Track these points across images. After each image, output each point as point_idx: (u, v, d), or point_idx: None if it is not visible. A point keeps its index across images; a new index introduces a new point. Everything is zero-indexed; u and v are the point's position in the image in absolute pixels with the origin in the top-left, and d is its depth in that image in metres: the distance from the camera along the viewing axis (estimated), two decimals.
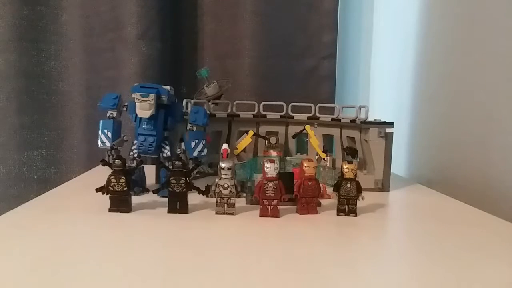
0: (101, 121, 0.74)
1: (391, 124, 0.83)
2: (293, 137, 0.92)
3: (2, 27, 1.11)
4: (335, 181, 0.67)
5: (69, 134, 1.19)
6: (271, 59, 1.18)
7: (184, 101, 0.86)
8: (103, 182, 0.64)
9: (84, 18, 1.14)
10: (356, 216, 0.65)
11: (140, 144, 0.71)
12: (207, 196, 0.65)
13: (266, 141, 0.87)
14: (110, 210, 0.64)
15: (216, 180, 0.64)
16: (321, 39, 1.19)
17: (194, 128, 0.75)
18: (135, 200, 0.67)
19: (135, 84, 0.71)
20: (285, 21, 1.18)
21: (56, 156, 1.19)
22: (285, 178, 0.66)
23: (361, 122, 0.85)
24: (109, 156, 0.72)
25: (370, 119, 0.86)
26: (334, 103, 1.18)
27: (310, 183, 0.65)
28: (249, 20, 1.16)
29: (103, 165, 0.66)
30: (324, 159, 0.78)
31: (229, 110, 0.93)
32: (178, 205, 0.64)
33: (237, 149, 0.80)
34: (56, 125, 1.18)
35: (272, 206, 0.64)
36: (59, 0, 1.14)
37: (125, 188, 0.64)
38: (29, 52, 1.14)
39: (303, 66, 1.20)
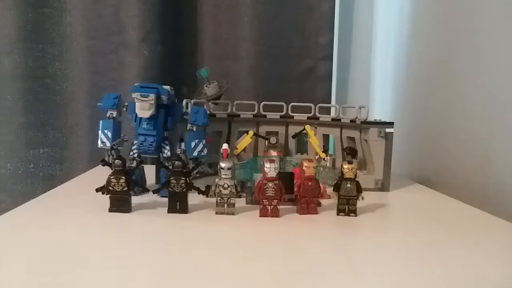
0: (101, 121, 0.74)
1: (391, 124, 0.83)
2: (293, 137, 0.92)
3: (8, 29, 1.13)
4: (335, 181, 0.67)
5: (73, 133, 1.21)
6: (269, 61, 1.19)
7: (184, 101, 0.86)
8: (103, 182, 0.64)
9: (88, 21, 1.16)
10: (356, 216, 0.65)
11: (140, 144, 0.71)
12: (207, 196, 0.65)
13: (266, 141, 0.87)
14: (110, 210, 0.64)
15: (216, 180, 0.64)
16: (318, 41, 1.21)
17: (194, 128, 0.75)
18: (135, 200, 0.67)
19: (135, 84, 0.72)
20: (282, 23, 1.20)
21: (61, 154, 1.21)
22: (285, 178, 0.66)
23: (361, 122, 0.85)
24: (109, 156, 0.72)
25: (370, 119, 0.86)
26: (330, 104, 1.19)
27: (310, 183, 0.65)
28: (247, 22, 1.18)
29: (103, 165, 0.66)
30: (324, 159, 0.78)
31: (229, 110, 0.93)
32: (178, 205, 0.64)
33: (237, 149, 0.80)
34: (61, 124, 1.20)
35: (272, 206, 0.64)
36: (63, 2, 1.16)
37: (125, 188, 0.64)
38: (34, 54, 1.15)
39: (300, 67, 1.22)
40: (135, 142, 0.72)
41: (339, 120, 0.91)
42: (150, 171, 0.80)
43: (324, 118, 0.92)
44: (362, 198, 0.66)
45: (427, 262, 0.48)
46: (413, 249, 0.53)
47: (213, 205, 0.65)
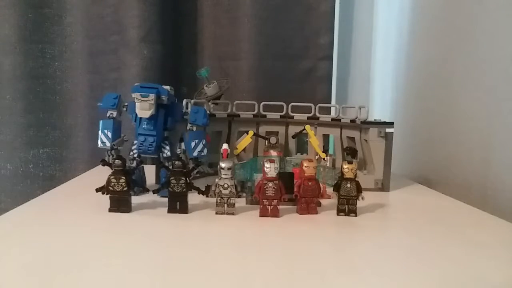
0: (101, 121, 0.74)
1: (391, 124, 0.83)
2: (293, 137, 0.92)
3: (8, 30, 1.13)
4: (335, 181, 0.67)
5: (73, 133, 1.21)
6: (268, 61, 1.19)
7: (184, 101, 0.86)
8: (103, 182, 0.64)
9: (88, 21, 1.16)
10: (356, 216, 0.65)
11: (140, 144, 0.71)
12: (207, 196, 0.65)
13: (266, 141, 0.87)
14: (110, 210, 0.64)
15: (216, 180, 0.64)
16: (318, 41, 1.21)
17: (194, 128, 0.75)
18: (135, 200, 0.67)
19: (135, 84, 0.72)
20: (282, 23, 1.20)
21: (61, 154, 1.21)
22: (285, 178, 0.66)
23: (361, 122, 0.85)
24: (109, 156, 0.72)
25: (370, 119, 0.86)
26: (330, 104, 1.19)
27: (310, 183, 0.65)
28: (247, 22, 1.18)
29: (103, 165, 0.66)
30: (324, 159, 0.78)
31: (229, 110, 0.93)
32: (178, 205, 0.64)
33: (237, 149, 0.80)
34: (60, 124, 1.21)
35: (272, 206, 0.64)
36: (62, 2, 1.16)
37: (125, 188, 0.64)
38: (34, 54, 1.16)
39: (300, 67, 1.22)
40: (135, 142, 0.72)
41: (339, 120, 0.91)
42: (150, 171, 0.80)
43: (324, 118, 0.92)
44: (362, 198, 0.66)
45: (427, 262, 0.48)
46: (413, 249, 0.53)
47: (213, 205, 0.65)
